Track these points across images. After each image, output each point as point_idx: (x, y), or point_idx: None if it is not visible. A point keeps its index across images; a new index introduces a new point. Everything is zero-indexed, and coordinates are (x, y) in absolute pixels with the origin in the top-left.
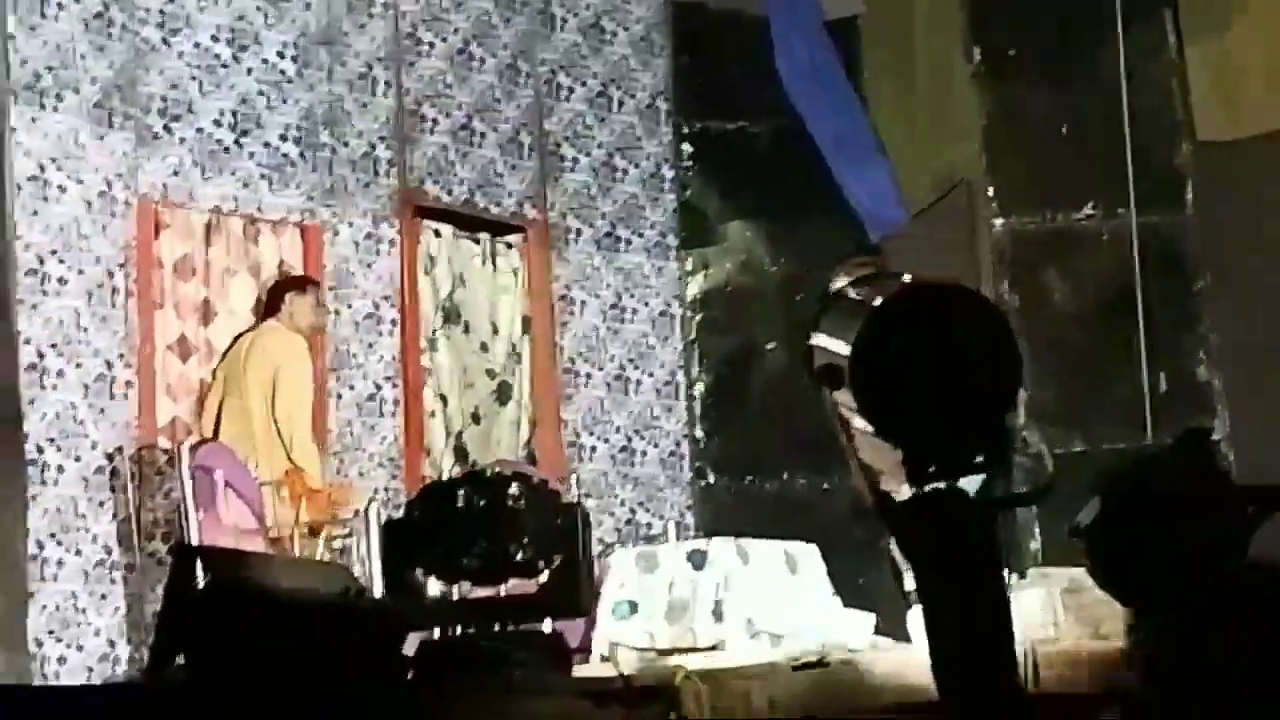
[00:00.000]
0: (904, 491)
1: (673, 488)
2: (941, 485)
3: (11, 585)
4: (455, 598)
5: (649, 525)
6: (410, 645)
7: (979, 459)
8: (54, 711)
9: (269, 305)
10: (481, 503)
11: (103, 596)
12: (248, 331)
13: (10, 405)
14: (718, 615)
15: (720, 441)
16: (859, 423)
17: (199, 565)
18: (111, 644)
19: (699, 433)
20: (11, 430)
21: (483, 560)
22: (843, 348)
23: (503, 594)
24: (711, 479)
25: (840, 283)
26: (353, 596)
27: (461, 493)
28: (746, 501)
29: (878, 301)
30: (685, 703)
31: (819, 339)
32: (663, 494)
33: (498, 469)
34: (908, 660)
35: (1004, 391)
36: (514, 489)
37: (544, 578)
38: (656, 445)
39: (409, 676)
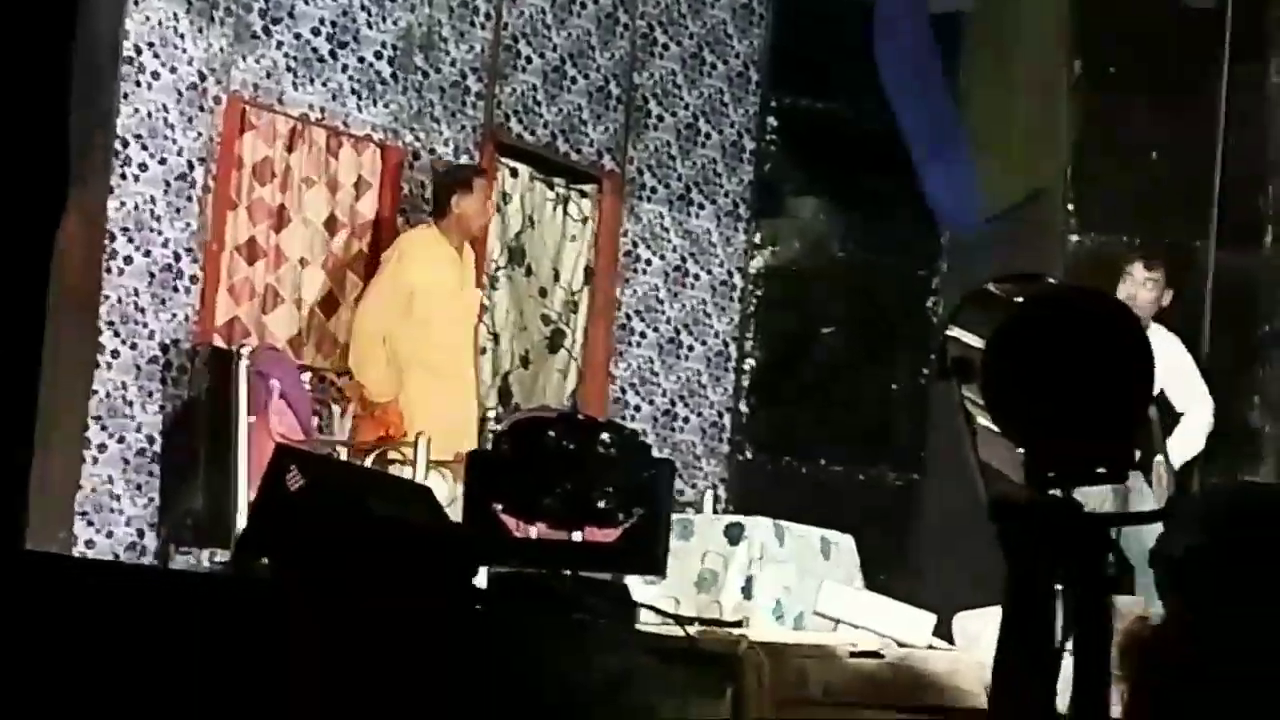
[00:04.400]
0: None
1: (710, 458)
2: (1058, 493)
3: (69, 463)
4: (529, 537)
5: (680, 493)
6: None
7: (1101, 470)
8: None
9: (435, 205)
10: (570, 445)
11: (138, 486)
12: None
13: (92, 281)
14: (746, 592)
15: (763, 419)
16: (984, 420)
17: (295, 467)
18: (140, 534)
19: (743, 407)
20: (90, 308)
21: (563, 503)
22: (977, 341)
23: (576, 540)
24: (749, 454)
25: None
26: (435, 520)
27: (551, 433)
28: (781, 482)
29: (1019, 299)
30: (745, 673)
31: (955, 331)
32: (699, 463)
33: (587, 413)
34: (958, 662)
35: (1136, 405)
36: (605, 436)
37: (621, 530)
38: (699, 414)
39: (477, 606)
